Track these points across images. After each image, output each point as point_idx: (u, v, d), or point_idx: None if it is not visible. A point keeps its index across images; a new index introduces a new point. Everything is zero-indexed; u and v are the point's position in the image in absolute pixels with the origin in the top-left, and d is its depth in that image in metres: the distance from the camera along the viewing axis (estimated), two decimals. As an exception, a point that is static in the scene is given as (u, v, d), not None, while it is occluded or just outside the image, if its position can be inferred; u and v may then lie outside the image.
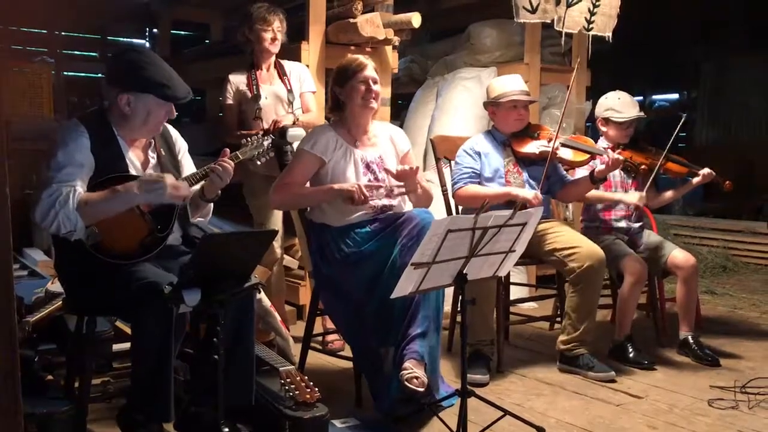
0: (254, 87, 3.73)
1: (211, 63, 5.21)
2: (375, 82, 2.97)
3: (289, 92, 3.75)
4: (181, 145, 2.70)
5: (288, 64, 3.85)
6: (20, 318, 2.67)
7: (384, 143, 3.08)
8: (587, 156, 3.46)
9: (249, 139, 2.75)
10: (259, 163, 2.77)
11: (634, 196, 3.65)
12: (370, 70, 2.97)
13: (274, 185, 3.01)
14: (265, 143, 2.73)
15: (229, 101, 3.81)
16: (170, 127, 2.70)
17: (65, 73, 6.08)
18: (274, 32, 3.70)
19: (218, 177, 2.49)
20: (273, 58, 3.80)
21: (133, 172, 2.46)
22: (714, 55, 9.62)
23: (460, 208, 3.63)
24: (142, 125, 2.46)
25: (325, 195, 2.91)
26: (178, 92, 2.44)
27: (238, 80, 3.79)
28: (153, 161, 2.55)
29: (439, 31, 6.11)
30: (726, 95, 9.71)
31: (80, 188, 2.32)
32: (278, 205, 3.37)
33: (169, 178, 2.38)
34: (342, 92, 2.98)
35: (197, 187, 2.55)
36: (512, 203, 2.44)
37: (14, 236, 1.34)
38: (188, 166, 2.67)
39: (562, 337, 3.39)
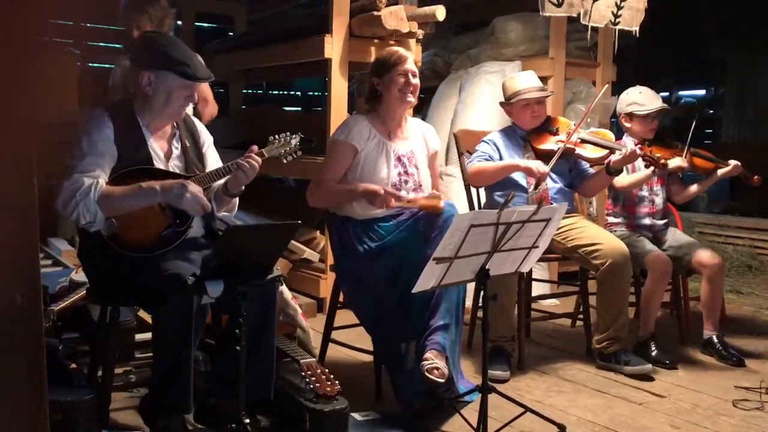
0: None
1: (235, 55, 5.22)
2: (414, 76, 2.95)
3: None
4: (206, 137, 2.69)
5: None
6: (45, 307, 2.70)
7: (416, 139, 3.07)
8: (606, 151, 3.42)
9: (276, 136, 2.67)
10: (285, 161, 2.70)
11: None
12: (410, 63, 2.95)
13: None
14: (293, 142, 2.65)
15: None
16: (196, 120, 2.71)
17: (90, 64, 6.11)
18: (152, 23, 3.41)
19: (243, 174, 2.47)
20: None
21: (156, 162, 2.46)
22: (742, 50, 9.47)
23: (482, 201, 3.61)
24: (163, 107, 2.45)
25: (354, 195, 2.87)
26: (198, 72, 2.45)
27: None
28: (177, 152, 2.54)
29: (462, 24, 6.06)
30: (754, 92, 9.55)
31: (102, 180, 2.32)
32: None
33: (193, 187, 2.36)
34: (380, 83, 2.96)
35: (221, 181, 2.54)
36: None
37: (39, 226, 1.34)
38: (213, 160, 2.66)
39: (596, 336, 3.36)
